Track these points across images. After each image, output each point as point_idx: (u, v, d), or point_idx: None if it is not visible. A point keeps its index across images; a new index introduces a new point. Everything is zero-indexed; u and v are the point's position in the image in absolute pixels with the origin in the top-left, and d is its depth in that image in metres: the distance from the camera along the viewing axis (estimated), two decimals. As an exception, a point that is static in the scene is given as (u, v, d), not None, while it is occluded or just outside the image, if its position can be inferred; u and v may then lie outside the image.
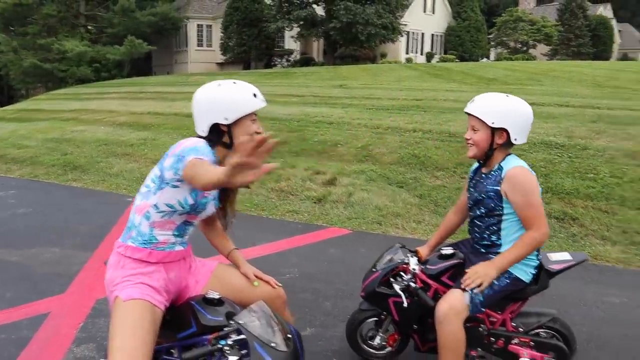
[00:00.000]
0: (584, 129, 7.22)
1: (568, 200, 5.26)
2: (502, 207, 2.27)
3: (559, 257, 2.47)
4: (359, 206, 5.56)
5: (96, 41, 30.34)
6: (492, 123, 2.24)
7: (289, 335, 1.90)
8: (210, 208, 2.10)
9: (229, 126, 2.00)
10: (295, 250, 4.44)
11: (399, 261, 2.49)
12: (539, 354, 2.44)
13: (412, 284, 2.38)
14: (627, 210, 4.99)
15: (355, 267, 3.95)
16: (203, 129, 2.01)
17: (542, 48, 42.86)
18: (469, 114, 2.33)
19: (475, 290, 2.24)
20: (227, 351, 1.79)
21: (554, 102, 9.06)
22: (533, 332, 2.48)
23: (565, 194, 5.38)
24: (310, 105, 10.86)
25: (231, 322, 1.88)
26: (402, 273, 2.46)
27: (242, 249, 4.32)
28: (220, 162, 2.03)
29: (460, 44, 41.33)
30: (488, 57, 43.55)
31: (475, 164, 2.50)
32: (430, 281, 2.42)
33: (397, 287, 2.39)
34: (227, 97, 2.01)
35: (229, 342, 1.81)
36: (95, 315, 3.31)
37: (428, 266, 2.47)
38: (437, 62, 33.88)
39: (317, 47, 36.18)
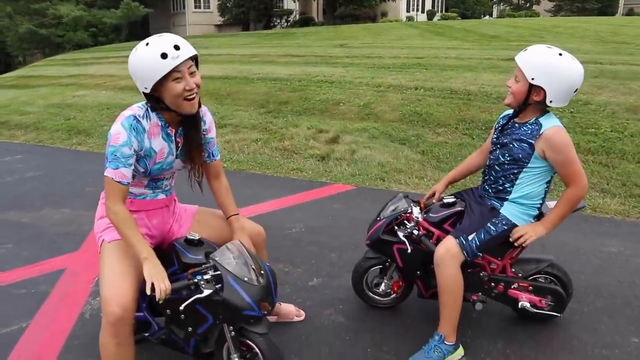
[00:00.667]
0: (585, 84, 7.16)
1: (569, 154, 5.32)
2: (529, 160, 2.29)
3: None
4: (362, 163, 5.63)
5: (92, 5, 29.77)
6: (532, 79, 2.18)
7: (262, 272, 2.05)
8: (176, 165, 2.20)
9: (155, 91, 1.95)
10: (300, 206, 4.54)
11: (403, 210, 2.58)
12: (537, 297, 2.56)
13: (415, 231, 2.47)
14: (627, 164, 5.05)
15: (359, 221, 4.05)
16: (142, 94, 2.01)
17: (545, 4, 42.01)
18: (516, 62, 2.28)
19: (470, 237, 2.33)
20: (202, 285, 1.96)
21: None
22: (531, 277, 2.58)
23: (566, 148, 5.43)
24: (312, 65, 10.79)
25: (209, 259, 2.04)
26: (405, 221, 2.55)
27: (248, 206, 4.45)
28: (168, 122, 2.09)
29: (462, 1, 40.55)
30: (490, 15, 42.76)
31: (508, 111, 2.49)
32: (432, 228, 2.50)
33: (401, 235, 2.48)
34: (139, 64, 1.92)
35: (205, 277, 1.97)
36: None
37: (430, 214, 2.55)
38: (439, 20, 33.29)
39: (316, 7, 35.52)
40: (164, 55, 1.87)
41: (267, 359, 2.06)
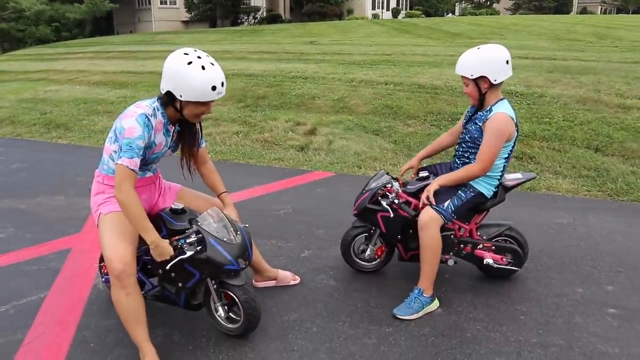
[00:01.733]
0: (541, 79, 7.82)
1: (526, 142, 5.87)
2: (481, 139, 2.76)
3: (513, 177, 3.03)
4: (339, 152, 6.04)
5: (54, -1, 29.18)
6: (471, 75, 2.69)
7: (238, 233, 2.46)
8: (167, 154, 2.57)
9: (182, 101, 2.28)
10: (285, 191, 4.91)
11: (385, 183, 2.99)
12: (498, 255, 3.02)
13: (396, 200, 2.89)
14: (577, 149, 5.63)
15: (341, 202, 4.46)
16: (163, 88, 2.31)
17: (505, 2, 43.34)
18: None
19: (445, 204, 2.77)
20: (185, 247, 2.33)
21: (515, 55, 9.51)
22: (494, 239, 3.05)
23: (524, 136, 5.98)
24: (284, 62, 11.13)
25: (192, 224, 2.45)
26: (387, 193, 2.96)
27: (237, 191, 4.78)
28: (170, 120, 2.43)
29: (425, -1, 41.36)
30: (453, 12, 43.81)
31: (469, 111, 2.97)
32: (410, 198, 2.93)
33: (384, 203, 2.90)
34: (190, 80, 2.19)
35: (188, 240, 2.35)
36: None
37: (408, 186, 2.98)
38: (404, 17, 33.97)
39: (283, 4, 35.66)
40: (214, 88, 2.23)
41: (244, 306, 2.45)
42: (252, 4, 34.34)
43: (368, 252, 3.18)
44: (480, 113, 2.81)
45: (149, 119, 2.31)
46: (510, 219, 3.21)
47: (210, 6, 30.92)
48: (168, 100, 2.34)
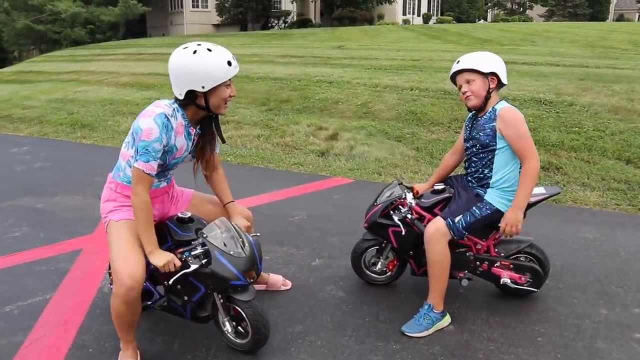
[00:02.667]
0: (571, 87, 7.55)
1: (553, 151, 5.64)
2: (495, 142, 2.61)
3: (535, 191, 2.84)
4: (360, 158, 5.93)
5: (89, 2, 29.81)
6: (485, 69, 2.56)
7: (247, 245, 2.32)
8: (187, 159, 2.46)
9: (205, 92, 2.18)
10: (302, 196, 4.83)
11: (397, 196, 2.86)
12: (517, 274, 2.85)
13: (409, 215, 2.76)
14: (607, 160, 5.38)
15: (358, 210, 4.30)
16: (180, 92, 2.19)
17: (538, 9, 42.53)
18: (459, 72, 2.65)
19: (456, 219, 2.62)
20: (189, 260, 2.23)
21: (546, 62, 9.33)
22: (512, 256, 2.88)
23: (551, 146, 5.75)
24: (311, 66, 11.07)
25: (198, 236, 2.33)
26: (400, 206, 2.83)
27: (253, 195, 4.72)
28: (191, 122, 2.32)
29: (457, 5, 40.93)
30: (485, 19, 43.21)
31: (470, 114, 2.83)
32: (424, 212, 2.79)
33: (396, 218, 2.77)
34: (203, 66, 2.11)
35: (193, 253, 2.24)
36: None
37: (422, 200, 2.84)
38: (434, 23, 33.65)
39: (313, 8, 35.77)
40: (229, 63, 2.16)
41: (252, 322, 2.33)
42: (283, 8, 34.53)
43: (379, 265, 3.06)
44: (485, 116, 2.66)
45: (168, 120, 2.19)
46: (532, 232, 3.05)
47: (241, 10, 31.17)
48: (190, 101, 2.24)
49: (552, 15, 42.00)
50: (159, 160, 2.20)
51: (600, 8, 42.88)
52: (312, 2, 34.63)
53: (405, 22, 34.50)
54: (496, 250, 2.88)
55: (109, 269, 2.90)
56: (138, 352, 2.43)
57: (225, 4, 31.63)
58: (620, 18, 43.20)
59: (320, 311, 2.87)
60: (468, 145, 2.78)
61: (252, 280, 2.31)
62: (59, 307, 2.92)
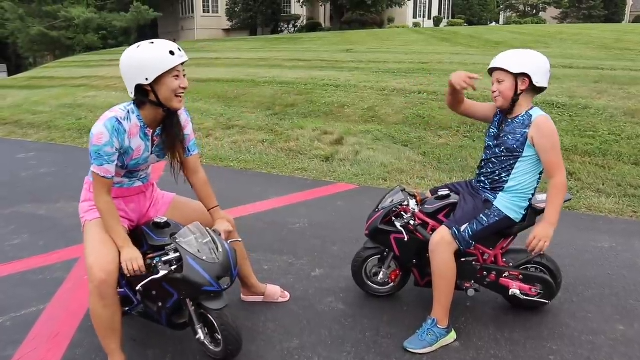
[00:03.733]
0: (585, 89, 7.35)
1: (566, 156, 5.46)
2: (523, 149, 2.47)
3: (545, 197, 2.69)
4: (365, 164, 5.79)
5: (102, 8, 30.13)
6: (514, 69, 2.41)
7: (221, 250, 2.26)
8: (151, 160, 2.43)
9: (152, 85, 2.15)
10: (304, 203, 4.70)
11: (400, 201, 2.73)
12: (527, 285, 2.70)
13: (412, 222, 2.63)
14: (623, 165, 5.18)
15: (361, 217, 4.15)
16: (131, 90, 2.20)
17: (552, 11, 42.10)
18: (493, 70, 2.50)
19: (462, 227, 2.48)
20: (159, 266, 2.18)
21: (559, 64, 9.12)
22: (522, 266, 2.73)
23: (564, 150, 5.56)
24: (318, 70, 10.98)
25: (171, 241, 2.27)
26: (402, 213, 2.70)
27: (254, 202, 4.61)
28: (147, 123, 2.28)
29: (468, 7, 40.65)
30: (497, 21, 42.86)
31: (498, 112, 2.67)
32: (427, 219, 2.66)
33: (398, 224, 2.64)
34: (145, 57, 2.12)
35: (164, 258, 2.20)
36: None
37: (425, 206, 2.71)
38: (445, 26, 33.43)
39: (323, 12, 35.78)
40: (172, 53, 2.14)
41: (221, 332, 2.27)
42: (293, 13, 34.58)
43: (381, 275, 2.91)
44: (518, 120, 2.50)
45: (120, 123, 2.19)
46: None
47: (251, 14, 31.30)
48: (141, 97, 2.21)
49: (566, 17, 41.55)
50: (114, 163, 2.21)
51: (616, 10, 42.33)
52: (321, 6, 34.63)
53: (416, 25, 34.31)
54: (504, 259, 2.74)
55: None
56: None
57: (235, 9, 31.78)
58: (636, 20, 42.55)
59: (319, 325, 2.74)
60: (491, 144, 2.64)
61: (226, 287, 2.25)
62: (52, 319, 2.84)
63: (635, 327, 2.69)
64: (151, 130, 2.34)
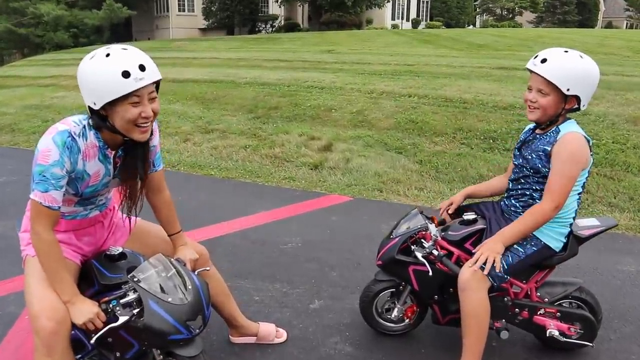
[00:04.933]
0: (582, 94, 7.10)
1: (572, 166, 5.15)
2: (549, 168, 2.10)
3: (587, 223, 2.34)
4: (358, 172, 5.37)
5: (73, 5, 29.24)
6: (568, 90, 2.01)
7: (189, 287, 1.84)
8: (112, 184, 1.96)
9: (105, 109, 1.70)
10: (295, 218, 4.25)
11: (419, 227, 2.33)
12: (565, 325, 2.33)
13: (435, 251, 2.22)
14: (633, 177, 4.89)
15: (360, 235, 3.80)
16: (86, 109, 1.75)
17: (527, 15, 42.67)
18: (534, 73, 2.08)
19: (485, 268, 2.08)
20: (117, 311, 1.77)
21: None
22: (559, 302, 2.36)
23: (568, 159, 5.26)
24: (300, 70, 10.58)
25: (128, 279, 1.85)
26: (422, 240, 2.30)
27: (239, 217, 4.17)
28: (107, 144, 1.82)
29: (446, 10, 40.90)
30: (474, 24, 43.26)
31: (530, 125, 2.32)
32: (452, 248, 2.26)
33: (419, 255, 2.22)
34: (93, 76, 1.66)
35: (122, 301, 1.78)
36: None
37: (450, 232, 2.31)
38: (423, 28, 33.46)
39: (301, 13, 35.49)
40: (125, 74, 1.63)
41: None
42: (270, 12, 34.13)
43: (395, 312, 2.50)
44: (545, 136, 2.14)
45: (73, 139, 1.73)
46: (563, 266, 2.52)
47: (228, 14, 30.76)
48: (97, 121, 1.74)
49: (541, 22, 42.15)
50: (63, 189, 1.74)
51: (589, 15, 43.12)
52: (299, 6, 34.28)
53: (394, 27, 34.23)
54: (538, 294, 2.35)
55: None
56: None
57: (212, 8, 31.22)
58: (608, 25, 43.43)
59: (324, 374, 2.32)
60: (517, 162, 2.26)
61: (197, 331, 1.83)
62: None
63: (685, 369, 2.34)
64: (112, 152, 1.86)
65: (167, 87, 9.77)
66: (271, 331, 2.54)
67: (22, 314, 2.82)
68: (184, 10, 33.50)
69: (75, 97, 10.18)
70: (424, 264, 2.22)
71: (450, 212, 2.50)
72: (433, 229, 2.32)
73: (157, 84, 1.77)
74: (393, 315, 2.51)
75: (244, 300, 2.84)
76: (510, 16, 41.43)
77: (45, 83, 12.55)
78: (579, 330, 2.35)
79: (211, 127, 7.25)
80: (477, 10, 43.60)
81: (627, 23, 50.77)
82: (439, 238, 2.28)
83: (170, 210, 2.13)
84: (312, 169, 5.58)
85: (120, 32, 31.48)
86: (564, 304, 2.37)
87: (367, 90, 8.26)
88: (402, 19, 39.06)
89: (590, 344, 2.36)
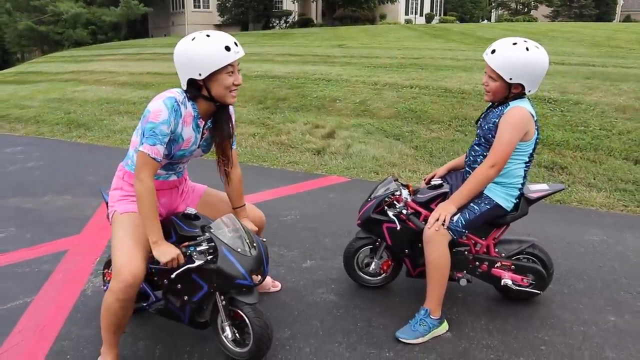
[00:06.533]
0: (577, 85, 7.37)
1: (558, 150, 5.47)
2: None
3: (538, 187, 2.69)
4: (357, 157, 5.77)
5: (91, 3, 29.83)
6: (510, 79, 2.34)
7: (255, 245, 2.19)
8: (196, 153, 2.34)
9: (205, 80, 2.07)
10: (296, 195, 4.67)
11: (392, 191, 2.71)
12: (519, 276, 2.69)
13: (404, 211, 2.61)
14: (614, 160, 5.20)
15: (353, 209, 4.12)
16: (183, 83, 2.12)
17: (543, 9, 42.30)
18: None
19: (455, 217, 2.46)
20: (194, 256, 2.11)
21: (550, 60, 9.14)
22: (514, 257, 2.72)
23: (555, 145, 5.58)
24: (310, 64, 10.94)
25: (205, 231, 2.19)
26: (395, 202, 2.68)
27: (245, 195, 4.57)
28: (201, 115, 2.20)
29: (460, 5, 40.73)
30: (489, 19, 43.01)
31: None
32: (420, 208, 2.63)
33: (390, 213, 2.61)
34: (199, 52, 2.02)
35: (199, 248, 2.12)
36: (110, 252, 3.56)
37: (418, 195, 2.69)
38: (437, 23, 33.48)
39: (315, 8, 35.69)
40: (227, 48, 2.03)
41: (255, 328, 2.17)
42: (284, 8, 34.46)
43: (373, 266, 2.89)
44: (497, 110, 2.48)
45: (178, 105, 2.10)
46: (535, 234, 2.90)
47: (242, 10, 31.14)
48: (194, 91, 2.13)
49: (558, 16, 41.76)
50: (165, 145, 2.09)
51: (607, 9, 42.59)
52: (313, 2, 34.52)
53: (408, 22, 34.33)
54: (496, 250, 2.73)
55: (105, 267, 2.78)
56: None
57: (227, 4, 31.62)
58: (627, 19, 42.87)
59: (310, 316, 2.72)
60: (478, 132, 2.62)
61: (257, 282, 2.14)
62: (38, 312, 2.78)
63: (626, 318, 2.69)
64: (203, 122, 2.25)
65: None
66: (267, 282, 2.95)
67: (55, 270, 3.26)
68: (199, 7, 33.94)
69: (96, 91, 10.68)
70: (394, 222, 2.60)
71: (426, 180, 2.88)
72: (405, 193, 2.71)
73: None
74: (371, 269, 2.91)
75: (246, 261, 3.26)
76: (526, 10, 41.19)
77: (66, 78, 13.03)
78: (531, 281, 2.71)
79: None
80: (492, 4, 43.35)
81: (645, 16, 50.02)
82: (409, 200, 2.67)
83: (239, 184, 2.50)
84: (315, 154, 5.98)
85: (137, 29, 32.06)
86: (520, 258, 2.74)
87: (371, 82, 8.61)
88: (416, 13, 39.10)
89: (540, 292, 2.73)
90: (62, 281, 3.13)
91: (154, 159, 2.07)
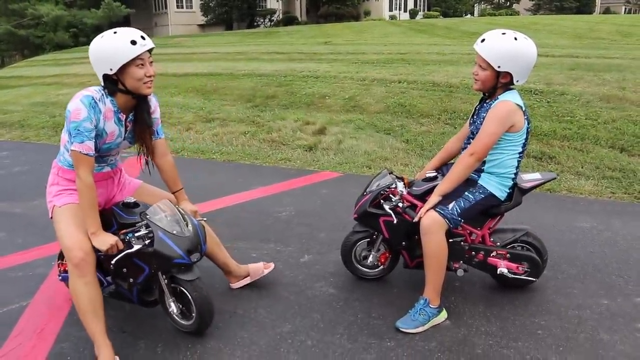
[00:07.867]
0: (562, 76, 7.48)
1: (546, 141, 5.55)
2: None
3: (530, 177, 2.74)
4: (349, 152, 5.79)
5: (72, 5, 29.43)
6: (498, 67, 2.39)
7: (190, 226, 2.33)
8: (123, 145, 2.46)
9: (117, 74, 2.19)
10: (289, 192, 4.67)
11: (388, 184, 2.74)
12: (514, 264, 2.73)
13: (400, 204, 2.63)
14: (600, 149, 5.29)
15: (347, 204, 4.17)
16: (100, 79, 2.24)
17: (525, 3, 42.71)
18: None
19: (449, 206, 2.50)
20: (133, 241, 2.27)
21: (535, 52, 9.25)
22: (509, 245, 2.76)
23: (543, 135, 5.66)
24: (297, 62, 10.95)
25: (142, 218, 2.35)
26: (391, 195, 2.70)
27: (239, 192, 4.57)
28: (120, 108, 2.31)
29: (443, 0, 40.94)
30: (472, 13, 43.32)
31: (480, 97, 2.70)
32: (415, 201, 2.66)
33: (386, 207, 2.64)
34: (107, 47, 2.16)
35: (136, 234, 2.29)
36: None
37: (414, 188, 2.72)
38: (421, 19, 33.63)
39: (299, 6, 35.66)
40: (133, 42, 2.16)
41: (195, 302, 2.35)
42: (268, 7, 34.38)
43: (370, 258, 2.92)
44: (487, 104, 2.53)
45: (95, 102, 2.22)
46: (528, 223, 2.94)
47: (226, 9, 31.04)
48: (111, 86, 2.24)
49: (539, 9, 42.21)
50: (93, 140, 2.21)
51: (587, 1, 43.11)
52: None
53: (392, 17, 34.46)
54: (491, 239, 2.77)
55: (59, 258, 2.86)
56: (116, 356, 2.29)
57: (210, 4, 31.48)
58: (606, 11, 43.47)
59: (310, 309, 2.74)
60: (471, 128, 2.66)
61: (195, 260, 2.31)
62: (36, 315, 2.77)
63: (618, 301, 2.74)
64: (124, 116, 2.36)
65: (168, 81, 10.16)
66: (259, 267, 2.97)
67: (50, 274, 3.24)
68: (182, 7, 33.73)
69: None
70: (390, 215, 2.63)
71: (418, 176, 2.91)
72: (400, 186, 2.74)
73: (150, 52, 2.27)
74: (369, 262, 2.93)
75: (242, 258, 3.22)
76: (508, 4, 41.56)
77: (49, 82, 12.87)
78: (526, 269, 2.76)
79: (212, 117, 7.66)
80: (474, -1, 43.69)
81: (625, 8, 50.78)
82: (405, 193, 2.69)
83: (173, 171, 2.63)
84: (306, 151, 6.00)
85: (120, 31, 31.72)
86: (514, 247, 2.78)
87: (359, 77, 8.65)
88: (400, 9, 39.25)
89: (535, 280, 2.78)
90: (57, 283, 3.10)
91: (86, 154, 2.19)
